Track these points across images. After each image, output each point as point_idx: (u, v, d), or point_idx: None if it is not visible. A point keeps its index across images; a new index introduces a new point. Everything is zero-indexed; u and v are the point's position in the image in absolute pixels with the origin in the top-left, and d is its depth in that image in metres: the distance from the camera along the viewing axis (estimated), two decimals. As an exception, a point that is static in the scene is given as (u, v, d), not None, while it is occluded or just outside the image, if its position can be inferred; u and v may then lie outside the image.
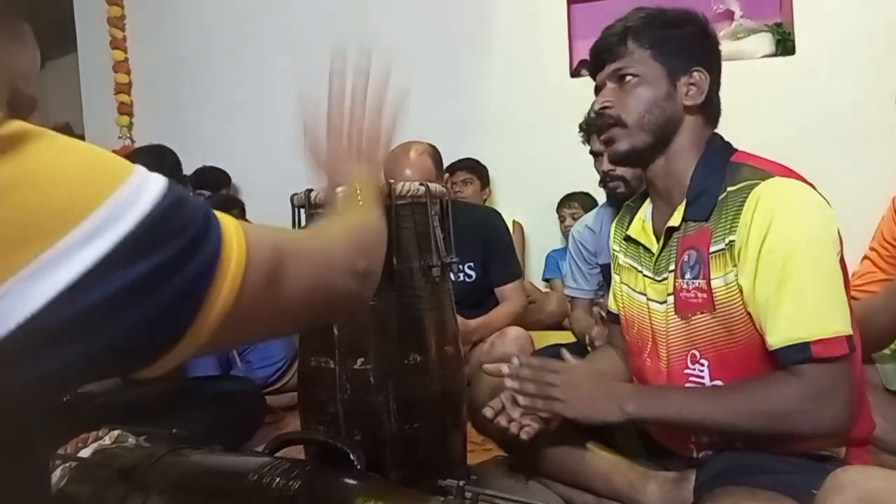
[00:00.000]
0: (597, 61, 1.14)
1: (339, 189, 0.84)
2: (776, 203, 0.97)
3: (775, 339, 0.96)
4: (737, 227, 0.99)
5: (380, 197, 0.89)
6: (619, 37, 1.10)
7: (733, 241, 0.99)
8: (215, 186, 3.33)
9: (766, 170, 1.02)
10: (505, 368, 1.12)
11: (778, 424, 0.96)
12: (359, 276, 0.63)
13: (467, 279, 2.17)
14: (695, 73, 1.09)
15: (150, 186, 0.42)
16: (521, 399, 1.09)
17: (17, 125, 0.39)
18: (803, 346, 0.93)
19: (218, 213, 0.47)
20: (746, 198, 0.99)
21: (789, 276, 0.95)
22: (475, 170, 3.08)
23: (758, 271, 0.97)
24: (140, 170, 0.43)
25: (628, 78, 1.09)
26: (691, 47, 1.10)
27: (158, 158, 2.31)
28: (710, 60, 1.11)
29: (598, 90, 1.15)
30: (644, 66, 1.08)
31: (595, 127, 1.18)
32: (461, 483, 0.75)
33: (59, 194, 0.38)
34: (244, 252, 0.46)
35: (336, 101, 0.90)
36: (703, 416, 1.00)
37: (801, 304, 0.95)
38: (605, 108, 1.11)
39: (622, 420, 1.05)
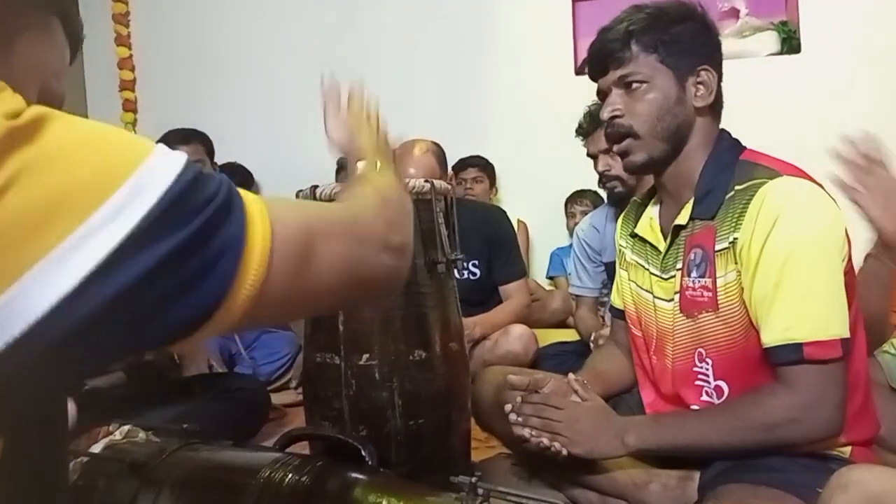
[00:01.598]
0: (599, 66, 1.11)
1: (359, 163, 0.82)
2: (783, 202, 0.96)
3: (769, 337, 0.96)
4: (741, 224, 0.99)
5: (399, 174, 0.89)
6: (621, 41, 1.06)
7: (737, 238, 0.99)
8: (240, 184, 3.33)
9: (774, 168, 1.01)
10: (508, 407, 1.13)
11: (769, 436, 0.96)
12: (394, 251, 0.62)
13: (471, 277, 2.18)
14: (702, 73, 1.07)
15: (170, 163, 0.42)
16: (526, 433, 1.09)
17: (36, 110, 0.39)
18: (796, 347, 0.93)
19: (241, 191, 0.46)
20: (753, 196, 0.98)
21: (789, 274, 0.94)
22: (486, 168, 3.07)
23: (758, 268, 0.97)
24: (161, 147, 0.43)
25: (635, 84, 1.06)
26: (696, 44, 1.07)
27: (188, 136, 2.33)
28: (715, 56, 1.09)
29: (601, 94, 1.13)
30: (651, 71, 1.06)
31: (607, 137, 1.15)
32: (474, 479, 0.75)
33: (82, 175, 0.38)
34: (269, 229, 0.45)
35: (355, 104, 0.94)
36: (698, 439, 1.01)
37: (798, 304, 0.94)
38: (615, 117, 1.08)
39: (625, 453, 1.06)
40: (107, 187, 0.38)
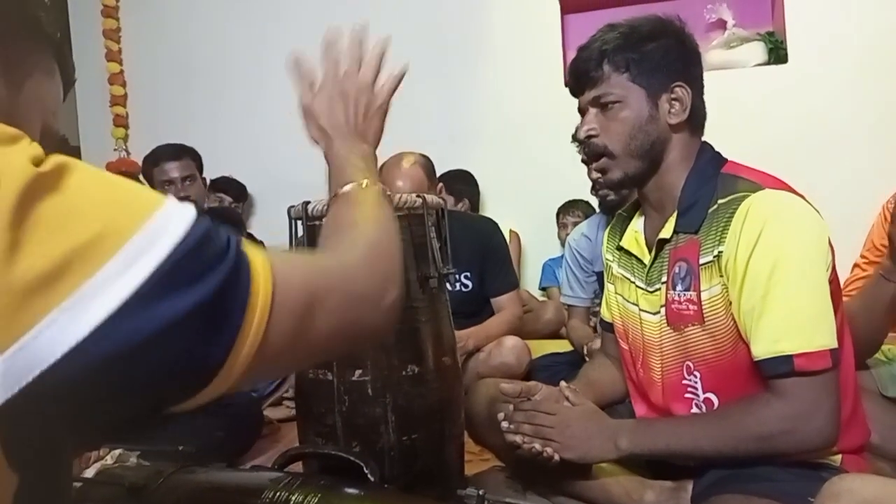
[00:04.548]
0: (576, 86, 1.13)
1: (344, 187, 0.79)
2: (766, 215, 0.97)
3: (759, 350, 0.97)
4: (725, 238, 0.99)
5: (378, 179, 0.84)
6: (595, 61, 1.08)
7: (721, 252, 1.00)
8: (235, 198, 3.34)
9: (757, 181, 1.02)
10: (500, 415, 1.13)
11: (763, 446, 0.97)
12: (389, 308, 0.61)
13: (464, 289, 2.17)
14: (676, 89, 1.07)
15: (181, 215, 0.43)
16: (518, 440, 1.10)
17: (57, 158, 0.41)
18: (786, 359, 0.94)
19: (246, 247, 0.47)
20: (736, 209, 0.99)
21: (775, 286, 0.95)
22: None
23: (745, 281, 0.97)
24: (171, 200, 0.43)
25: (610, 104, 1.08)
26: (668, 61, 1.07)
27: (179, 152, 2.44)
28: (690, 71, 1.09)
29: (581, 112, 1.14)
30: (623, 90, 1.07)
31: (586, 155, 1.17)
32: (481, 492, 0.75)
33: (96, 225, 0.39)
34: (271, 292, 0.46)
35: (331, 70, 0.91)
36: (690, 445, 1.02)
37: (786, 316, 0.95)
38: (591, 136, 1.10)
39: (618, 457, 1.06)
40: (118, 240, 0.39)
